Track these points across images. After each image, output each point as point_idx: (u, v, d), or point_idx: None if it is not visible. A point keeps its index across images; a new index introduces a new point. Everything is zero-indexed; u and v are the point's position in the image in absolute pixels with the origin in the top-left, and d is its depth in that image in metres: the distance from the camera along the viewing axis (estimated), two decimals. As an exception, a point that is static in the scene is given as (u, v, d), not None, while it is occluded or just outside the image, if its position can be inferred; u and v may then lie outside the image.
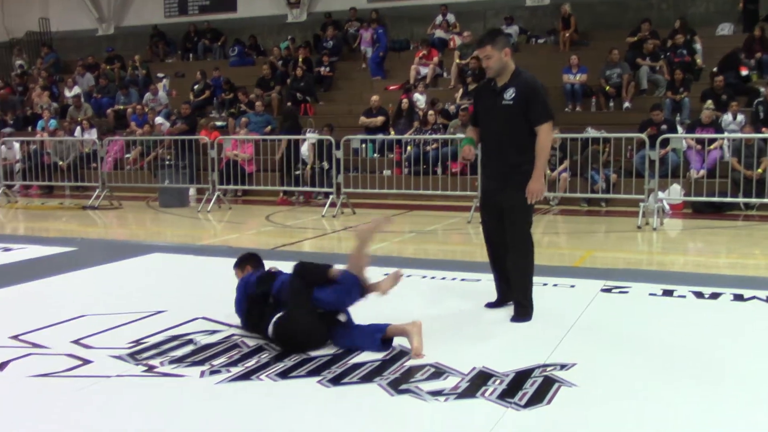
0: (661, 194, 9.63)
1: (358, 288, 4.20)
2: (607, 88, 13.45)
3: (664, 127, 10.99)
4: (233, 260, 5.01)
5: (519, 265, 4.77)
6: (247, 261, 4.78)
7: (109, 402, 3.42)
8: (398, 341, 4.18)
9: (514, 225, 4.76)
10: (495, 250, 4.96)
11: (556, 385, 3.54)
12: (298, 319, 4.08)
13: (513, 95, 4.64)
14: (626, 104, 13.29)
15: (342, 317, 4.21)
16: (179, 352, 4.09)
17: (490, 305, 5.00)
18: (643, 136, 10.05)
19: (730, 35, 14.86)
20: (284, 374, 3.74)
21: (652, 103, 11.98)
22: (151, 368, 3.85)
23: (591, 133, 11.32)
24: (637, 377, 3.69)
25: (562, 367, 3.79)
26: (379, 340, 4.08)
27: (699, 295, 5.38)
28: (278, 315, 4.10)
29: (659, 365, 3.88)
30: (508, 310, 4.90)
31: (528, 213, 4.78)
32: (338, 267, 4.27)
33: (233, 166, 12.39)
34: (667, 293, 5.43)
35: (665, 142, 9.84)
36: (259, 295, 4.30)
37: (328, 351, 4.07)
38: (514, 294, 4.83)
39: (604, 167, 10.85)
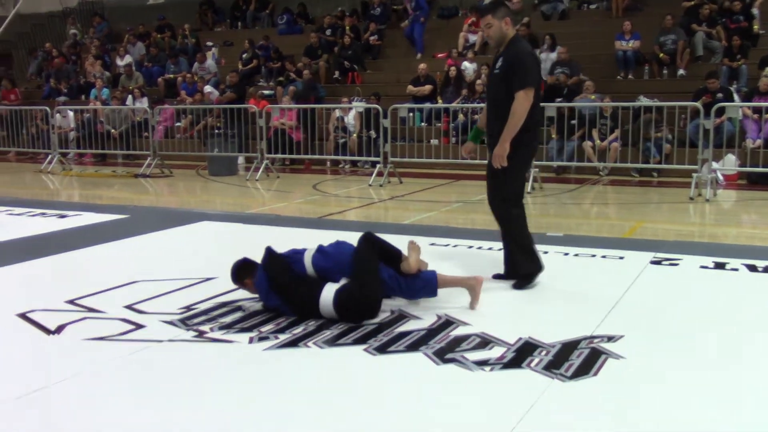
0: (715, 164, 9.40)
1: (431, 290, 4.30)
2: (661, 55, 13.10)
3: (719, 95, 10.68)
4: (281, 229, 5.05)
5: (502, 231, 4.90)
6: (245, 273, 4.41)
7: (161, 365, 3.51)
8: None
9: (496, 190, 4.87)
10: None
11: (602, 357, 3.52)
12: (369, 287, 4.10)
13: (501, 64, 4.71)
14: (681, 72, 12.94)
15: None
16: (228, 319, 4.18)
17: (496, 276, 4.98)
18: (698, 104, 9.79)
19: (791, 0, 14.32)
20: (331, 342, 3.78)
21: (707, 71, 11.64)
22: (201, 333, 3.94)
23: (643, 101, 11.08)
24: (686, 351, 3.65)
25: (610, 339, 3.77)
26: (436, 288, 4.28)
27: (752, 268, 5.27)
28: (341, 285, 4.08)
29: (709, 339, 3.83)
30: (550, 281, 4.88)
31: (508, 180, 4.79)
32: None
33: (281, 134, 12.46)
34: (719, 266, 5.33)
35: (720, 111, 9.58)
36: (292, 279, 4.20)
37: (375, 320, 4.10)
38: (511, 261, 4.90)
39: (656, 137, 10.62)
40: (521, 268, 4.84)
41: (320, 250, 4.32)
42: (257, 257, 4.41)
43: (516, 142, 4.61)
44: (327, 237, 4.83)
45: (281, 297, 4.18)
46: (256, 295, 4.44)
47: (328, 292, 4.07)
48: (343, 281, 4.13)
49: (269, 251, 4.36)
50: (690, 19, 13.46)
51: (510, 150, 4.60)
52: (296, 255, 4.34)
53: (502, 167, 4.66)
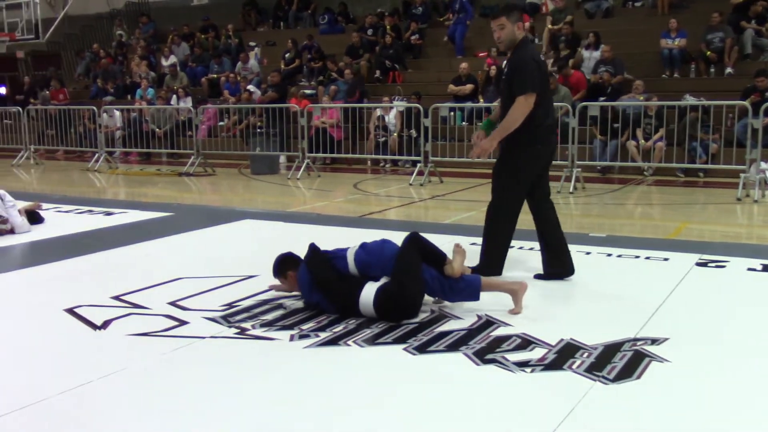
0: (763, 164, 9.18)
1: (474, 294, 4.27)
2: (708, 53, 12.84)
3: (768, 94, 10.45)
4: (322, 227, 5.08)
5: (486, 225, 5.01)
6: (288, 266, 4.47)
7: (203, 361, 3.56)
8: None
9: (494, 189, 5.00)
10: (536, 221, 5.10)
11: (646, 360, 3.46)
12: (410, 287, 4.09)
13: (507, 69, 4.83)
14: (728, 70, 12.66)
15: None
16: (270, 316, 4.21)
17: (537, 276, 5.01)
18: (746, 103, 9.59)
19: None
20: (371, 341, 3.79)
21: (756, 69, 11.39)
22: (243, 331, 3.98)
23: (690, 100, 10.88)
24: (732, 355, 3.57)
25: (654, 341, 3.71)
26: (479, 292, 4.24)
27: (802, 271, 5.14)
28: (381, 284, 4.09)
29: (757, 343, 3.74)
30: (592, 283, 4.83)
31: (506, 181, 4.91)
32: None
33: (322, 134, 12.52)
34: (767, 268, 5.22)
35: (770, 110, 9.36)
36: (333, 276, 4.22)
37: (415, 319, 4.10)
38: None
39: (703, 137, 10.41)
40: (487, 259, 5.00)
41: (363, 246, 4.32)
42: (298, 255, 4.45)
43: (513, 143, 4.77)
44: (368, 236, 4.84)
45: (322, 293, 4.19)
46: (295, 293, 4.48)
47: (369, 291, 4.07)
48: (383, 280, 4.13)
49: (313, 247, 4.40)
50: (739, 16, 13.16)
51: (507, 153, 4.83)
52: (340, 252, 4.36)
53: (502, 171, 4.90)
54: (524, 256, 5.66)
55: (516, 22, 4.77)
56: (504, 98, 4.87)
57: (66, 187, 11.11)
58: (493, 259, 5.00)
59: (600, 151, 11.04)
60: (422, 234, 4.36)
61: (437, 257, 4.26)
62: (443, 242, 4.51)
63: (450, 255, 4.32)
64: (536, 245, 5.91)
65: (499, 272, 4.98)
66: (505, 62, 4.90)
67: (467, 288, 4.26)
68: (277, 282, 4.58)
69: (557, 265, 4.99)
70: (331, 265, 4.27)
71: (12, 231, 6.76)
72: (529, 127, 4.70)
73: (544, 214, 5.04)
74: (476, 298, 4.26)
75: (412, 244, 4.23)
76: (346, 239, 4.89)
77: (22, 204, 7.19)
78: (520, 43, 4.81)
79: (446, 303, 4.33)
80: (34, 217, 7.17)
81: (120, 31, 20.95)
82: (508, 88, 4.75)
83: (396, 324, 4.01)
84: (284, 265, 4.48)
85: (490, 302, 4.26)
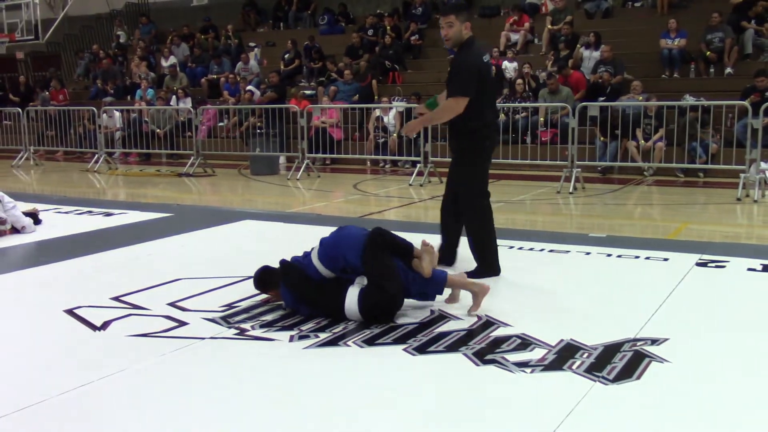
0: (763, 165, 9.17)
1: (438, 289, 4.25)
2: (708, 53, 12.85)
3: (768, 94, 10.45)
4: (322, 228, 5.07)
5: (469, 230, 5.08)
6: (268, 286, 4.42)
7: (203, 362, 3.56)
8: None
9: (461, 196, 5.07)
10: (444, 213, 5.27)
11: (646, 361, 3.46)
12: (390, 288, 4.04)
13: (450, 67, 4.97)
14: (728, 70, 12.66)
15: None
16: (269, 317, 4.21)
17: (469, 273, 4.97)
18: (746, 103, 9.59)
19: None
20: (370, 341, 3.79)
21: (756, 69, 11.39)
22: (242, 331, 3.98)
23: (689, 100, 10.88)
24: (733, 355, 3.57)
25: (654, 342, 3.70)
26: (442, 287, 4.24)
27: (802, 271, 5.14)
28: (362, 288, 4.04)
29: (757, 343, 3.74)
30: (592, 283, 4.83)
31: (470, 184, 5.03)
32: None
33: (322, 134, 12.52)
34: (767, 268, 5.22)
35: (770, 110, 9.36)
36: (312, 289, 4.18)
37: (414, 320, 4.10)
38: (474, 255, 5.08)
39: (702, 137, 10.41)
40: (484, 262, 5.06)
41: (321, 243, 4.22)
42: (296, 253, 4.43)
43: (462, 144, 4.97)
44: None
45: (308, 307, 4.18)
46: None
47: (351, 298, 4.03)
48: (359, 284, 4.07)
49: (283, 265, 4.34)
50: (739, 16, 13.17)
51: (460, 156, 5.01)
52: (306, 259, 4.26)
53: (461, 177, 5.05)
54: (522, 255, 5.66)
55: (464, 21, 4.87)
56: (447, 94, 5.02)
57: (66, 188, 11.11)
58: (488, 260, 5.03)
59: (600, 151, 11.04)
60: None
61: (404, 250, 4.20)
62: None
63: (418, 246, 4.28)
64: (526, 245, 5.93)
65: (497, 272, 5.00)
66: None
67: (433, 284, 4.22)
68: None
69: (448, 258, 5.13)
70: (306, 276, 4.19)
71: (12, 232, 6.77)
72: (469, 132, 4.89)
73: (459, 224, 5.21)
74: (440, 292, 4.24)
75: (378, 243, 4.10)
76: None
77: (21, 206, 7.18)
78: (466, 43, 4.92)
79: (446, 304, 4.32)
80: (32, 218, 7.18)
81: (120, 31, 20.95)
82: (448, 86, 4.92)
83: (396, 324, 4.01)
84: (264, 284, 4.42)
85: (490, 302, 4.25)
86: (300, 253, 4.40)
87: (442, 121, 4.97)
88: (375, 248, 4.07)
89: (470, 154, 4.98)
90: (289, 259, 4.39)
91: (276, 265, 4.42)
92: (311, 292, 4.17)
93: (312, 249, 4.27)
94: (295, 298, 4.22)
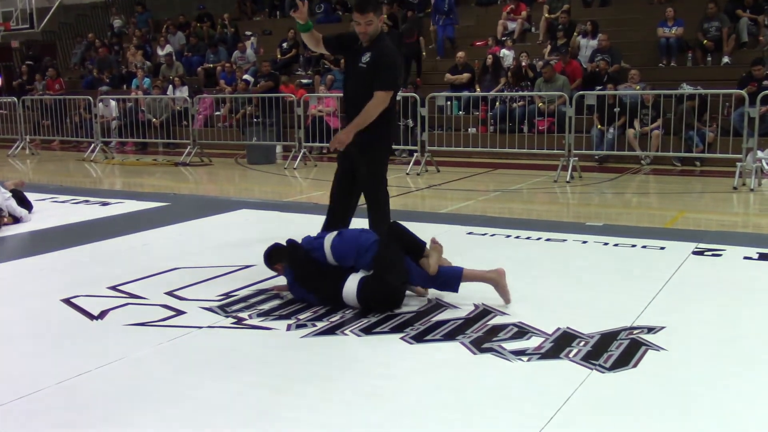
0: (760, 153, 9.19)
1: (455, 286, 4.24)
2: (705, 41, 12.83)
3: (765, 82, 10.44)
4: (319, 217, 5.08)
5: (376, 219, 5.03)
6: (276, 259, 4.46)
7: (200, 351, 3.56)
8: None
9: (364, 183, 5.09)
10: (333, 208, 5.31)
11: (642, 349, 3.48)
12: (391, 279, 4.07)
13: (368, 59, 4.88)
14: (725, 59, 12.66)
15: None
16: (267, 306, 4.21)
17: None
18: (743, 92, 9.59)
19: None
20: (368, 330, 3.80)
21: (753, 57, 11.38)
22: (240, 320, 3.98)
23: (686, 89, 10.87)
24: (728, 343, 3.59)
25: (650, 330, 3.72)
26: (458, 283, 4.20)
27: (798, 259, 5.15)
28: (365, 275, 4.08)
29: (753, 331, 3.76)
30: (588, 271, 4.83)
31: (381, 172, 5.08)
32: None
33: (319, 123, 12.50)
34: (764, 257, 5.22)
35: (766, 99, 9.36)
36: (314, 272, 4.22)
37: (412, 308, 4.11)
38: None
39: (699, 126, 10.40)
40: None
41: (340, 234, 4.31)
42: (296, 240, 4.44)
43: (373, 139, 4.92)
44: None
45: (305, 288, 4.20)
46: None
47: (351, 284, 4.06)
48: (362, 273, 4.11)
49: (290, 245, 4.40)
50: (735, 4, 13.14)
51: (374, 146, 4.96)
52: (316, 241, 4.33)
53: (370, 174, 5.01)
54: (520, 244, 5.67)
55: (380, 15, 4.94)
56: (355, 86, 4.96)
57: (62, 178, 11.08)
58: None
59: (598, 140, 11.03)
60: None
61: (416, 247, 4.25)
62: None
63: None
64: (523, 234, 5.94)
65: None
66: (362, 52, 4.91)
67: (447, 281, 4.22)
68: (277, 282, 4.56)
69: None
70: (310, 259, 4.25)
71: (10, 222, 6.76)
72: (386, 121, 4.92)
73: (353, 202, 5.28)
74: (455, 289, 4.22)
75: (393, 237, 4.21)
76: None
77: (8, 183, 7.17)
78: (380, 36, 4.95)
79: (443, 293, 4.33)
80: (20, 199, 7.11)
81: (118, 20, 20.83)
82: (366, 77, 4.85)
83: (393, 313, 4.01)
84: (274, 258, 4.48)
85: (488, 291, 4.26)
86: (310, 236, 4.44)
87: (372, 119, 4.85)
88: (391, 238, 4.18)
89: (386, 140, 5.05)
90: (300, 240, 4.43)
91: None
92: (312, 274, 4.20)
93: (327, 234, 4.33)
94: (295, 276, 4.24)
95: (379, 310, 4.05)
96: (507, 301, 4.15)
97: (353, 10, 4.92)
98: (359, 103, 4.90)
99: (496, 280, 4.20)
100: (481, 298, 4.21)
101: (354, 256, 4.16)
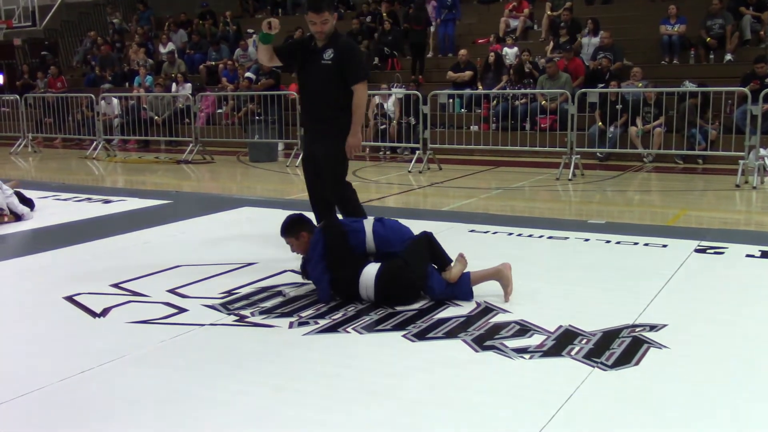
0: (762, 151, 9.16)
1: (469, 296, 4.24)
2: (708, 39, 12.80)
3: (768, 80, 10.43)
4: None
5: (347, 210, 5.10)
6: (301, 227, 4.47)
7: (202, 349, 3.56)
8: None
9: (327, 172, 5.13)
10: (316, 205, 5.35)
11: (645, 347, 3.47)
12: (414, 268, 4.13)
13: (332, 55, 4.99)
14: (728, 56, 12.63)
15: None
16: (269, 303, 4.22)
17: None
18: (746, 90, 9.57)
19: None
20: (370, 327, 3.80)
21: (756, 55, 11.35)
22: (242, 318, 3.99)
23: (689, 86, 10.85)
24: (731, 341, 3.58)
25: (652, 328, 3.72)
26: (471, 292, 4.22)
27: (801, 257, 5.15)
28: (386, 263, 4.15)
29: (755, 329, 3.75)
30: (591, 269, 4.83)
31: (341, 161, 5.12)
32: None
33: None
34: (766, 255, 5.22)
35: (769, 97, 9.35)
36: (343, 254, 4.26)
37: (414, 306, 4.11)
38: None
39: (702, 124, 10.38)
40: None
41: (382, 221, 4.43)
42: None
43: (339, 131, 5.01)
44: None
45: (327, 263, 4.20)
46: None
47: (371, 269, 4.12)
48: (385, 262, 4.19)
49: (329, 221, 4.54)
50: (738, 2, 13.12)
51: (340, 138, 5.02)
52: (355, 224, 4.42)
53: (332, 155, 5.07)
54: (522, 242, 5.66)
55: (333, 13, 5.05)
56: (321, 84, 5.02)
57: (64, 175, 11.08)
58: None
59: (598, 138, 11.02)
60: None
61: (443, 259, 4.29)
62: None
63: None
64: (525, 231, 5.94)
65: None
66: (322, 50, 4.98)
67: (462, 290, 4.23)
68: (279, 280, 4.56)
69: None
70: (346, 239, 4.32)
71: (12, 220, 6.76)
72: (349, 111, 5.01)
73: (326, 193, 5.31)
74: (470, 298, 4.22)
75: (426, 240, 4.30)
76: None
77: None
78: (336, 33, 5.08)
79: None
80: (21, 198, 7.12)
81: (115, 19, 20.83)
82: (332, 73, 4.95)
83: (395, 311, 4.02)
84: (298, 225, 4.48)
85: (489, 289, 4.26)
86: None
87: (364, 111, 5.11)
88: (424, 239, 4.28)
89: (347, 128, 5.08)
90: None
91: (282, 250, 4.48)
92: (339, 255, 4.24)
93: (364, 220, 4.45)
94: (323, 252, 4.23)
95: (393, 299, 4.08)
96: (508, 293, 4.17)
97: (308, 11, 4.99)
98: (326, 98, 5.04)
99: (502, 272, 4.23)
100: (483, 295, 4.21)
101: (396, 241, 4.29)
